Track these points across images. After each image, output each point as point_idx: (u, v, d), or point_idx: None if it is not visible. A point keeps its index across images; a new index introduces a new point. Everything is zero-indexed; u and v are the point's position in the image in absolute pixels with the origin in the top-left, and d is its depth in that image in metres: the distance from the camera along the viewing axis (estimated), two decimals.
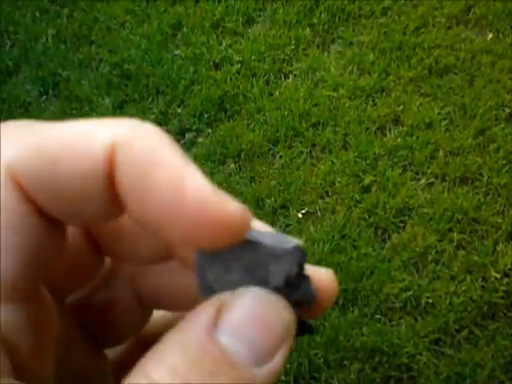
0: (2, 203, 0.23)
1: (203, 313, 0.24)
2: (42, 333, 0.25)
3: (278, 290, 0.26)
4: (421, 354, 1.63)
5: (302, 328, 0.28)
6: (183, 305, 0.30)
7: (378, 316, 1.70)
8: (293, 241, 0.26)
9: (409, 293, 1.71)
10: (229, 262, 0.26)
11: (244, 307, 0.24)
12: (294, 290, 0.26)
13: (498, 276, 1.73)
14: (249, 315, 0.24)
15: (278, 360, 0.24)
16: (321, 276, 0.28)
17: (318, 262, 1.77)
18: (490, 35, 2.29)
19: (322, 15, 2.36)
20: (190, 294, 0.29)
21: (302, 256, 0.26)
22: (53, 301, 0.27)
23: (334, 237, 1.82)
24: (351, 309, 1.71)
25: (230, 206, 0.23)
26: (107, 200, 0.24)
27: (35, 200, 0.23)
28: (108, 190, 0.23)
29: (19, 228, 0.23)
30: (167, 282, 0.30)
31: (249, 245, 0.26)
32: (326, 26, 2.34)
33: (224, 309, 0.24)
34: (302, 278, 0.27)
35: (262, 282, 0.26)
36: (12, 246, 0.23)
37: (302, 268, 0.26)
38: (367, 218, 1.86)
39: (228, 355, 0.23)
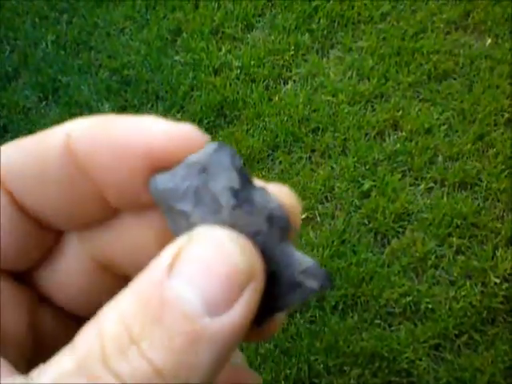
0: None
1: (159, 261, 0.23)
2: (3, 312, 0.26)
3: (235, 216, 0.24)
4: (420, 360, 1.63)
5: (319, 276, 0.24)
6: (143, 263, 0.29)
7: (377, 321, 1.70)
8: (213, 143, 0.24)
9: (408, 298, 1.71)
10: (181, 204, 0.24)
11: (195, 252, 0.22)
12: (251, 206, 0.24)
13: (498, 281, 1.73)
14: (200, 261, 0.22)
15: (237, 311, 0.22)
16: (277, 191, 0.25)
17: None
18: (489, 40, 2.29)
19: (321, 21, 2.37)
20: (146, 249, 0.28)
21: (232, 156, 0.24)
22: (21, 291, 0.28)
23: (333, 242, 1.82)
24: (351, 314, 1.72)
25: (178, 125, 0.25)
26: (68, 175, 0.26)
27: (22, 203, 0.26)
28: (68, 166, 0.26)
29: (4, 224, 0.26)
30: (119, 240, 0.29)
31: (184, 172, 0.24)
32: (325, 32, 2.34)
33: (178, 255, 0.22)
34: (252, 187, 0.24)
35: (216, 209, 0.24)
36: None
37: (244, 174, 0.24)
38: (367, 223, 1.86)
39: (177, 302, 0.21)
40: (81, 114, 2.16)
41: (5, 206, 0.26)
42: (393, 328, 1.69)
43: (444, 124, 2.06)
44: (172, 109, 2.18)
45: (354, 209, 1.89)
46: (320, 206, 1.91)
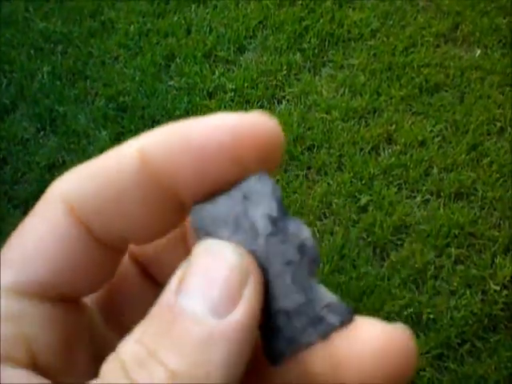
0: (55, 226, 0.26)
1: (172, 279, 0.24)
2: (69, 338, 0.26)
3: (270, 244, 0.24)
4: (424, 370, 1.63)
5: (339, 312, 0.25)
6: None
7: None
8: (256, 174, 0.25)
9: (410, 310, 1.72)
10: (220, 230, 0.25)
11: (197, 266, 0.24)
12: (286, 235, 0.25)
13: (498, 288, 1.74)
14: (201, 273, 0.24)
15: (240, 309, 0.23)
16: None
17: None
18: (479, 51, 2.32)
19: (312, 40, 2.39)
20: None
21: (273, 186, 0.25)
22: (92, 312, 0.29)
23: (333, 257, 1.83)
24: None
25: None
26: (146, 191, 0.26)
27: (87, 224, 0.26)
28: (145, 182, 0.26)
29: (63, 241, 0.26)
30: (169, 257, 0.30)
31: (226, 201, 0.25)
32: (316, 51, 2.37)
33: (186, 271, 0.24)
34: (287, 217, 0.25)
35: (252, 237, 0.25)
36: (52, 256, 0.26)
37: (282, 205, 0.25)
38: (365, 237, 1.88)
39: (186, 313, 0.23)
40: (79, 142, 2.19)
41: (80, 238, 0.26)
42: None
43: (437, 136, 2.08)
44: None
45: (352, 224, 1.91)
46: (318, 223, 1.92)
